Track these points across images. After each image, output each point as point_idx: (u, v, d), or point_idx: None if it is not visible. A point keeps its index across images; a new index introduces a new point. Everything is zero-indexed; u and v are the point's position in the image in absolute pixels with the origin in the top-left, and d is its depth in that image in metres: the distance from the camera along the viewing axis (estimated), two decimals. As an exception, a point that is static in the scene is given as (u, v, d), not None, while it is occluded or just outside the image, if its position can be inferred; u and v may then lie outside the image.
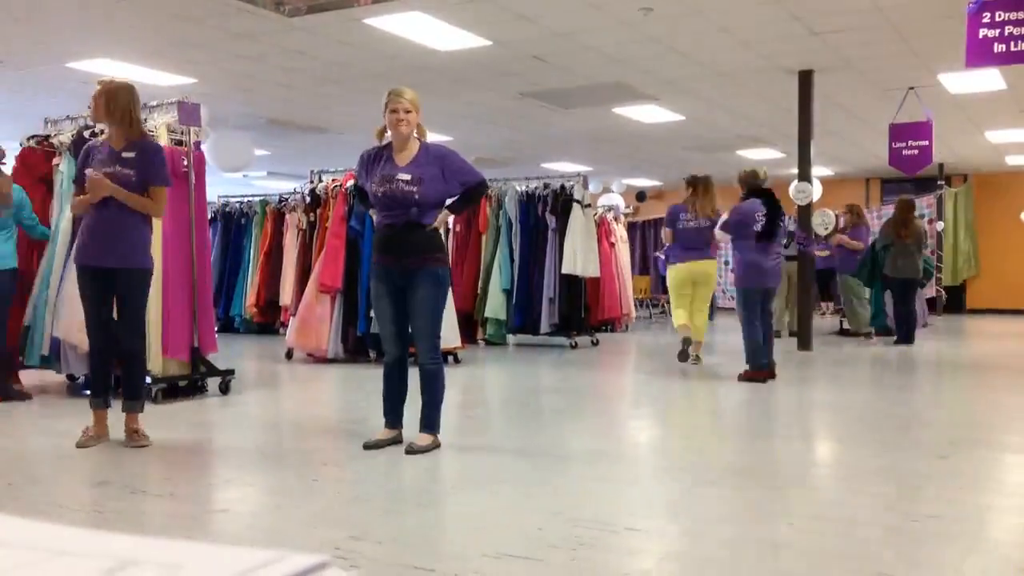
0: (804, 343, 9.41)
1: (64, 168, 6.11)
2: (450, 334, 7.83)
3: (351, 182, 8.14)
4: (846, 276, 10.99)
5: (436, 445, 4.17)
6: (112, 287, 4.25)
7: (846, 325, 11.60)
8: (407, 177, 4.03)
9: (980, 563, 2.59)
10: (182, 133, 5.88)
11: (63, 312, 5.72)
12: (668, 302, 15.08)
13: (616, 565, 2.59)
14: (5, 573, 0.33)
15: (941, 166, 16.38)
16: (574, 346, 9.64)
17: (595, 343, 10.08)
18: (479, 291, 9.66)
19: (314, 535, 2.86)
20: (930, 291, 15.97)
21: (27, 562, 0.34)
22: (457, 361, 7.95)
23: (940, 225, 16.69)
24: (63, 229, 5.99)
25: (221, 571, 0.32)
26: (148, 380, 5.70)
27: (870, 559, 2.59)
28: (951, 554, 2.66)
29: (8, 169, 5.94)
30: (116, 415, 4.39)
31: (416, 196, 4.01)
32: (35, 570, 0.33)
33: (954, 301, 17.25)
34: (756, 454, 4.27)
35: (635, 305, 13.09)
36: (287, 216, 10.46)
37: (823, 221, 10.93)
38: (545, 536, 2.83)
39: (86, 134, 6.10)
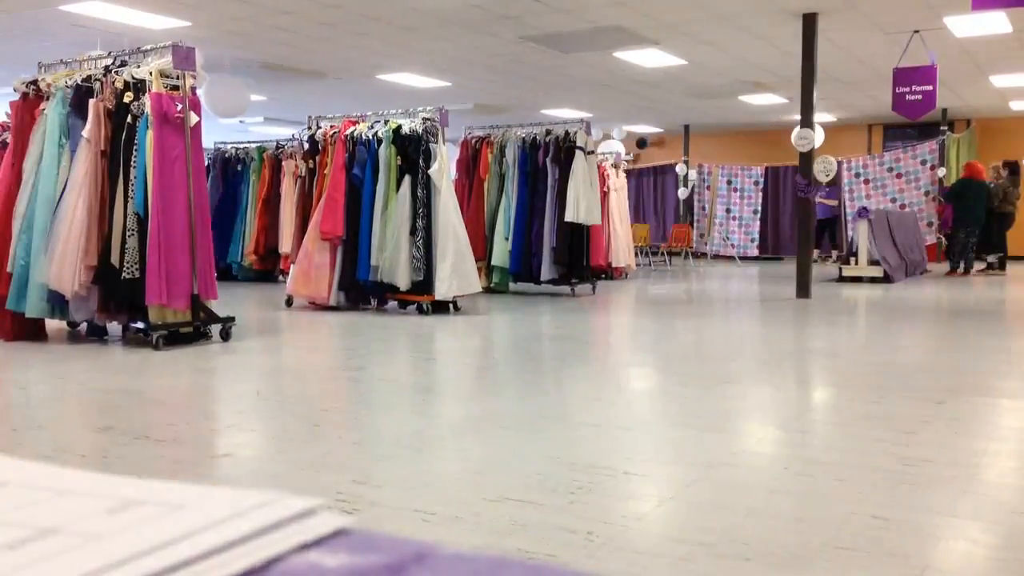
0: (803, 290, 9.43)
1: (49, 112, 6.03)
2: (459, 281, 7.76)
3: (351, 129, 8.07)
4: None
5: None
6: None
7: (846, 273, 11.69)
8: None
9: (973, 506, 2.63)
10: (177, 78, 5.82)
11: (53, 260, 5.71)
12: (667, 251, 15.53)
13: (614, 508, 2.63)
14: (7, 512, 0.33)
15: (944, 111, 16.23)
16: (574, 293, 9.65)
17: (593, 291, 10.10)
18: (485, 239, 9.64)
19: (316, 479, 2.89)
20: (930, 238, 15.97)
21: (30, 501, 0.35)
22: (457, 309, 7.97)
23: (942, 171, 16.61)
24: (44, 172, 5.92)
25: (221, 511, 0.33)
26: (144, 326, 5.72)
27: (864, 502, 2.63)
28: (944, 497, 2.70)
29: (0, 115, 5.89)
30: (110, 359, 4.41)
31: None
32: (38, 509, 0.34)
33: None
34: (753, 400, 4.30)
35: (635, 253, 13.10)
36: (284, 163, 10.40)
37: (825, 168, 10.88)
38: (544, 480, 2.86)
39: (78, 78, 6.03)
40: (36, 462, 0.40)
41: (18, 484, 0.37)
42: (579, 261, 9.75)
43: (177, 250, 5.73)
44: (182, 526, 0.32)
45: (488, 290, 9.73)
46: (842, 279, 11.69)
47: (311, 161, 8.51)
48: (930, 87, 9.96)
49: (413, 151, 7.83)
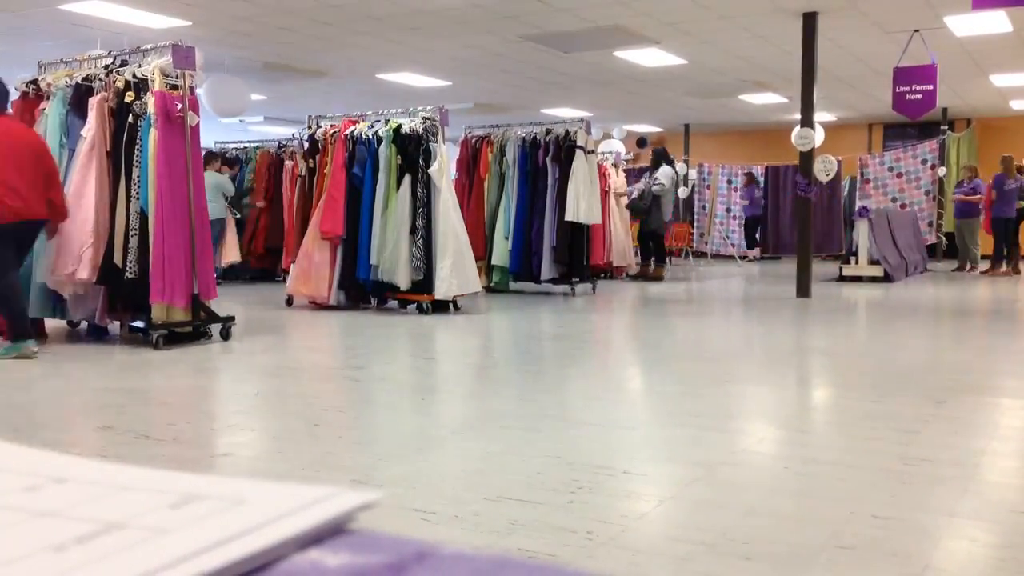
0: (803, 289, 9.43)
1: (50, 112, 6.03)
2: (459, 281, 7.75)
3: (351, 128, 8.07)
4: (965, 220, 13.67)
5: None
6: None
7: (846, 272, 11.71)
8: None
9: (973, 505, 2.63)
10: (177, 77, 5.82)
11: (51, 257, 5.71)
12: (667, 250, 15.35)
13: (614, 508, 2.63)
14: (72, 507, 0.34)
15: (945, 111, 16.23)
16: (573, 293, 9.65)
17: (593, 290, 10.10)
18: (485, 238, 9.64)
19: (316, 479, 2.89)
20: (930, 238, 15.97)
21: (91, 497, 0.35)
22: (457, 308, 7.97)
23: (942, 171, 16.61)
24: None
25: (281, 506, 0.34)
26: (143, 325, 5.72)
27: (864, 502, 2.63)
28: (945, 496, 2.70)
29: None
30: (110, 359, 4.40)
31: None
32: (100, 504, 0.34)
33: (955, 247, 17.21)
34: (753, 399, 4.30)
35: (635, 252, 13.10)
36: (285, 162, 10.39)
37: (825, 167, 10.88)
38: (544, 480, 2.86)
39: (78, 77, 6.03)
40: (94, 459, 0.41)
41: (79, 480, 0.37)
42: (579, 260, 9.75)
43: (178, 249, 5.73)
44: (245, 521, 0.32)
45: (488, 289, 9.72)
46: (842, 278, 11.69)
47: (311, 160, 8.51)
48: (930, 86, 9.96)
49: (413, 150, 7.83)
